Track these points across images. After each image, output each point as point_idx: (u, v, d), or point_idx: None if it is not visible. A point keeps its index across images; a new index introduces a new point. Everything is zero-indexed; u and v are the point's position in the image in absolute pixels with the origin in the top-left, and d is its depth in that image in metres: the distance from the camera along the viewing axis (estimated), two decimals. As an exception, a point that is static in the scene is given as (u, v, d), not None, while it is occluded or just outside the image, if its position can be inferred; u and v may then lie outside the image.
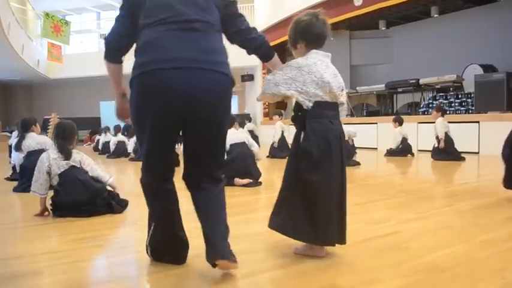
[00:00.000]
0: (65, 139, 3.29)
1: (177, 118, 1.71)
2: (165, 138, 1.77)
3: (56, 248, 2.43)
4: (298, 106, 1.99)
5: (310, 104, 1.94)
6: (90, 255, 2.17)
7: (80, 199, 3.09)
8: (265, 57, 2.02)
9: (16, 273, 1.91)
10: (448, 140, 6.83)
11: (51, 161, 3.16)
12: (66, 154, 3.22)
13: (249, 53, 1.99)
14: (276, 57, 2.03)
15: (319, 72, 1.94)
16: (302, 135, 1.97)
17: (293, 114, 2.05)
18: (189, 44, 1.68)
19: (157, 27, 1.69)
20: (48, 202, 3.17)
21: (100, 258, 2.14)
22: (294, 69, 1.95)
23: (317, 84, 1.93)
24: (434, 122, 6.97)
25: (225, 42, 1.84)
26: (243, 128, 10.70)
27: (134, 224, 2.92)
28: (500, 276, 1.71)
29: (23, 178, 4.47)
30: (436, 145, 6.99)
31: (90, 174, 3.25)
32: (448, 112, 9.36)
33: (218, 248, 1.72)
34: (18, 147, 4.64)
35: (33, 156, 4.53)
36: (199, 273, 1.79)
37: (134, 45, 1.78)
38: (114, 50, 1.83)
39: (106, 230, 2.75)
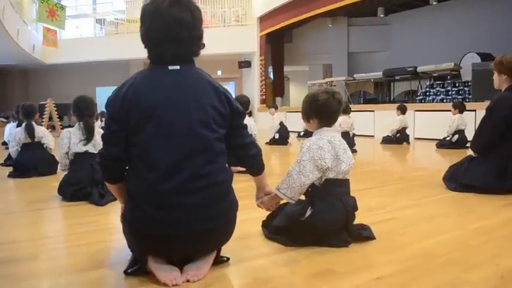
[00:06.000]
0: (90, 116, 3.21)
1: None
2: None
3: (51, 233, 2.43)
4: None
5: (321, 182, 1.95)
6: (86, 240, 2.16)
7: (83, 180, 3.07)
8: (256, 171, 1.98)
9: (12, 258, 1.90)
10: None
11: (72, 145, 3.16)
12: (91, 133, 3.15)
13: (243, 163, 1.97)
14: (264, 173, 2.00)
15: (334, 150, 1.95)
16: (309, 212, 1.93)
17: None
18: None
19: None
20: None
21: (96, 243, 2.14)
22: (315, 151, 1.92)
23: (332, 161, 1.94)
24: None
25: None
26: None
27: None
28: (494, 263, 1.72)
29: (18, 171, 4.43)
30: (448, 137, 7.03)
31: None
32: (444, 100, 9.37)
33: None
34: (32, 135, 4.48)
35: (29, 151, 4.45)
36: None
37: None
38: None
39: (101, 215, 2.74)
